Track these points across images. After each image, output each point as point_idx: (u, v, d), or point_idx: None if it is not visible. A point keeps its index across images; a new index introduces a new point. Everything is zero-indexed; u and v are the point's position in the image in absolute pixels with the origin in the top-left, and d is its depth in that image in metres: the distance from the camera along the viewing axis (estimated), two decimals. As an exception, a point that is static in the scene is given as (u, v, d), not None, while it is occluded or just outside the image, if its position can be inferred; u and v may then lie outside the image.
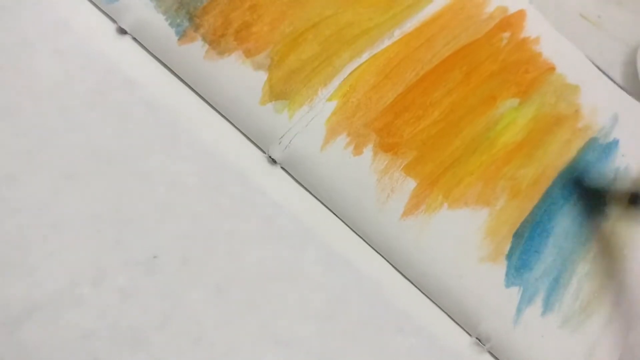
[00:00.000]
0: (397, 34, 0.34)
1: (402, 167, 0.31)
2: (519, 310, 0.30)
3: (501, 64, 0.37)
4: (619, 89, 0.41)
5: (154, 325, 0.25)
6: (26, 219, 0.25)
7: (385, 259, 0.30)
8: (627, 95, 0.41)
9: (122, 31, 0.30)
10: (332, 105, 0.31)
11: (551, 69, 0.39)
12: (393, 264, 0.30)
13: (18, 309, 0.23)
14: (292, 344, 0.27)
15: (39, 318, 0.23)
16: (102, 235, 0.26)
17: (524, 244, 0.32)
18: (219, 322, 0.26)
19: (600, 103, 0.39)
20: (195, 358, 0.25)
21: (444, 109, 0.33)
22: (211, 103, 0.30)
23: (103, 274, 0.25)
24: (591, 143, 0.37)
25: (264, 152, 0.30)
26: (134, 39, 0.30)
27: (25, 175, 0.25)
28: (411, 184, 0.31)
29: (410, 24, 0.35)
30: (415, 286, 0.30)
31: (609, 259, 0.34)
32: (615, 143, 0.38)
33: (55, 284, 0.24)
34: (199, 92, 0.30)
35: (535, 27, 0.40)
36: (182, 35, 0.30)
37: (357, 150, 0.30)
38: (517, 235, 0.32)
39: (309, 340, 0.27)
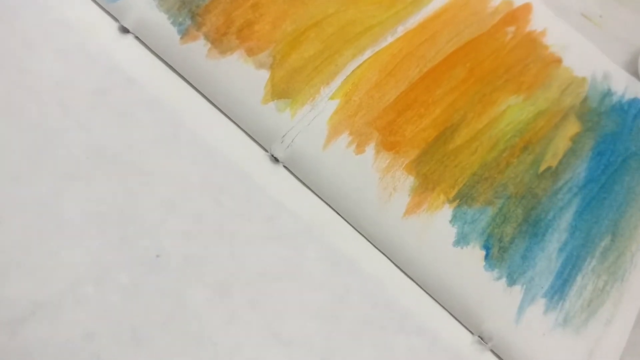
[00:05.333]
0: (400, 30, 0.34)
1: (404, 165, 0.31)
2: (521, 309, 0.30)
3: (505, 59, 0.36)
4: (633, 79, 0.40)
5: (156, 325, 0.25)
6: (29, 219, 0.25)
7: (387, 257, 0.30)
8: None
9: (124, 30, 0.30)
10: (335, 103, 0.31)
11: (557, 61, 0.38)
12: (395, 263, 0.30)
13: (21, 308, 0.23)
14: (295, 343, 0.27)
15: (42, 317, 0.23)
16: (105, 235, 0.26)
17: (528, 242, 0.32)
18: (221, 321, 0.26)
19: (609, 93, 0.39)
20: (198, 357, 0.25)
21: (446, 106, 0.33)
22: (213, 102, 0.30)
23: (105, 273, 0.25)
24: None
25: (266, 150, 0.30)
26: (136, 37, 0.30)
27: (27, 175, 0.26)
28: (413, 182, 0.31)
29: (414, 20, 0.35)
30: (418, 285, 0.30)
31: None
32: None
33: (57, 283, 0.24)
34: (201, 91, 0.30)
35: (542, 19, 0.40)
36: (184, 34, 0.30)
37: (359, 149, 0.30)
38: (521, 233, 0.32)
39: (311, 339, 0.27)
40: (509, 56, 0.37)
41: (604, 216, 0.34)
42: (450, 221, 0.31)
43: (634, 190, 0.36)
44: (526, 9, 0.40)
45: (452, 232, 0.30)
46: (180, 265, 0.26)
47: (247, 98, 0.30)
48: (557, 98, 0.37)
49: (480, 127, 0.33)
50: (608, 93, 0.39)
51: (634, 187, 0.36)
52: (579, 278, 0.32)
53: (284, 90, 0.30)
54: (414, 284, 0.30)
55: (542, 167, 0.34)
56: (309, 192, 0.30)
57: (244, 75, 0.30)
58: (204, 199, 0.28)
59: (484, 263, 0.30)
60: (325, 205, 0.30)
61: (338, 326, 0.28)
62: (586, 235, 0.33)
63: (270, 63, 0.30)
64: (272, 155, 0.30)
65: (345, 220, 0.30)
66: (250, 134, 0.30)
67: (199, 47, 0.30)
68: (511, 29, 0.38)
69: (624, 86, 0.40)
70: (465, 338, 0.30)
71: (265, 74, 0.30)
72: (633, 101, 0.39)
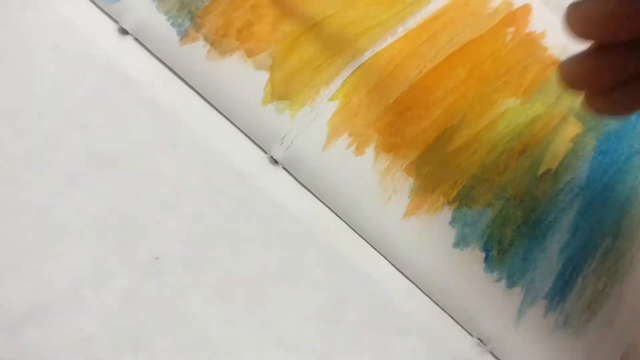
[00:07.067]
0: (400, 31, 0.34)
1: (403, 167, 0.31)
2: (521, 311, 0.30)
3: (505, 60, 0.36)
4: None
5: (156, 328, 0.25)
6: (27, 221, 0.25)
7: (386, 259, 0.30)
8: None
9: (123, 31, 0.30)
10: (334, 105, 0.31)
11: (555, 63, 0.38)
12: (395, 265, 0.30)
13: (20, 312, 0.23)
14: (294, 345, 0.27)
15: (41, 321, 0.23)
16: (103, 237, 0.26)
17: (528, 244, 0.32)
18: (220, 323, 0.26)
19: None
20: None
21: (446, 108, 0.33)
22: (213, 103, 0.30)
23: (104, 276, 0.25)
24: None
25: (265, 152, 0.30)
26: (136, 39, 0.30)
27: (26, 177, 0.26)
28: (413, 184, 0.30)
29: (414, 21, 0.35)
30: (417, 286, 0.30)
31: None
32: None
33: (56, 286, 0.24)
34: (201, 92, 0.30)
35: (541, 21, 0.40)
36: (183, 35, 0.30)
37: (359, 151, 0.30)
38: (522, 235, 0.32)
39: (310, 341, 0.27)
40: (509, 57, 0.37)
41: (607, 216, 0.34)
42: (450, 223, 0.31)
43: (636, 190, 0.36)
44: (526, 10, 0.40)
45: (451, 233, 0.30)
46: (179, 268, 0.26)
47: (246, 99, 0.30)
48: (554, 102, 0.37)
49: (480, 129, 0.33)
50: None
51: (637, 186, 0.36)
52: (579, 279, 0.32)
53: (283, 91, 0.30)
54: (414, 285, 0.30)
55: (541, 170, 0.34)
56: (309, 193, 0.30)
57: (243, 76, 0.30)
58: (203, 200, 0.28)
59: (484, 265, 0.30)
60: (325, 207, 0.30)
61: (337, 328, 0.28)
62: (588, 235, 0.33)
63: (270, 64, 0.30)
64: (272, 157, 0.30)
65: (344, 221, 0.30)
66: (250, 136, 0.30)
67: (199, 48, 0.30)
68: (511, 29, 0.38)
69: None
70: (464, 340, 0.30)
71: (264, 75, 0.30)
72: None
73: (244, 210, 0.28)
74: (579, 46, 0.39)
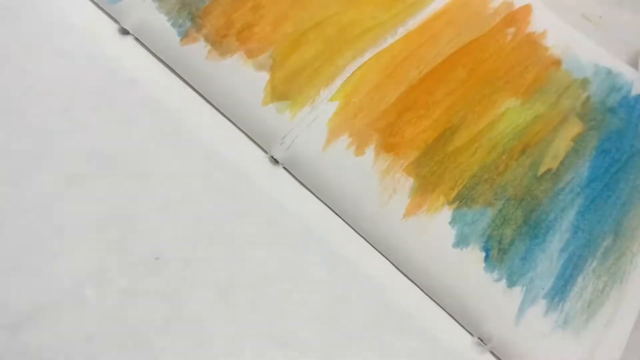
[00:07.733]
0: (401, 31, 0.34)
1: (403, 167, 0.31)
2: (522, 310, 0.30)
3: (505, 61, 0.36)
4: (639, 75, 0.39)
5: (156, 327, 0.25)
6: (29, 221, 0.25)
7: (387, 259, 0.30)
8: None
9: (124, 32, 0.30)
10: (334, 105, 0.31)
11: (556, 63, 0.38)
12: (395, 264, 0.30)
13: (20, 311, 0.23)
14: (295, 345, 0.27)
15: (41, 320, 0.23)
16: (104, 237, 0.26)
17: (528, 244, 0.32)
18: (221, 323, 0.26)
19: (614, 89, 0.38)
20: None
21: (446, 108, 0.33)
22: (213, 103, 0.30)
23: (105, 276, 0.25)
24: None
25: (266, 152, 0.30)
26: (137, 39, 0.30)
27: (27, 177, 0.26)
28: (413, 184, 0.31)
29: (414, 22, 0.35)
30: (417, 286, 0.30)
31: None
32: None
33: (57, 286, 0.24)
34: (201, 93, 0.30)
35: (542, 21, 0.40)
36: (184, 36, 0.30)
37: (359, 151, 0.30)
38: (521, 235, 0.32)
39: (311, 341, 0.27)
40: (509, 58, 0.37)
41: (608, 215, 0.34)
42: (450, 223, 0.31)
43: (637, 190, 0.36)
44: (526, 10, 0.40)
45: (451, 233, 0.30)
46: (180, 268, 0.26)
47: (247, 100, 0.30)
48: (554, 102, 0.37)
49: (480, 129, 0.33)
50: (613, 89, 0.38)
51: (638, 186, 0.36)
52: (579, 279, 0.32)
53: (283, 92, 0.30)
54: (414, 285, 0.30)
55: (542, 170, 0.34)
56: (309, 193, 0.30)
57: (243, 77, 0.30)
58: (204, 200, 0.28)
59: (484, 264, 0.30)
60: (325, 207, 0.30)
61: (338, 328, 0.28)
62: (589, 235, 0.33)
63: (270, 65, 0.30)
64: (272, 157, 0.30)
65: (344, 221, 0.30)
66: (250, 136, 0.30)
67: (199, 48, 0.30)
68: (511, 30, 0.38)
69: (630, 82, 0.39)
70: (465, 339, 0.30)
71: (265, 76, 0.30)
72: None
73: (244, 209, 0.28)
74: (580, 45, 0.39)
